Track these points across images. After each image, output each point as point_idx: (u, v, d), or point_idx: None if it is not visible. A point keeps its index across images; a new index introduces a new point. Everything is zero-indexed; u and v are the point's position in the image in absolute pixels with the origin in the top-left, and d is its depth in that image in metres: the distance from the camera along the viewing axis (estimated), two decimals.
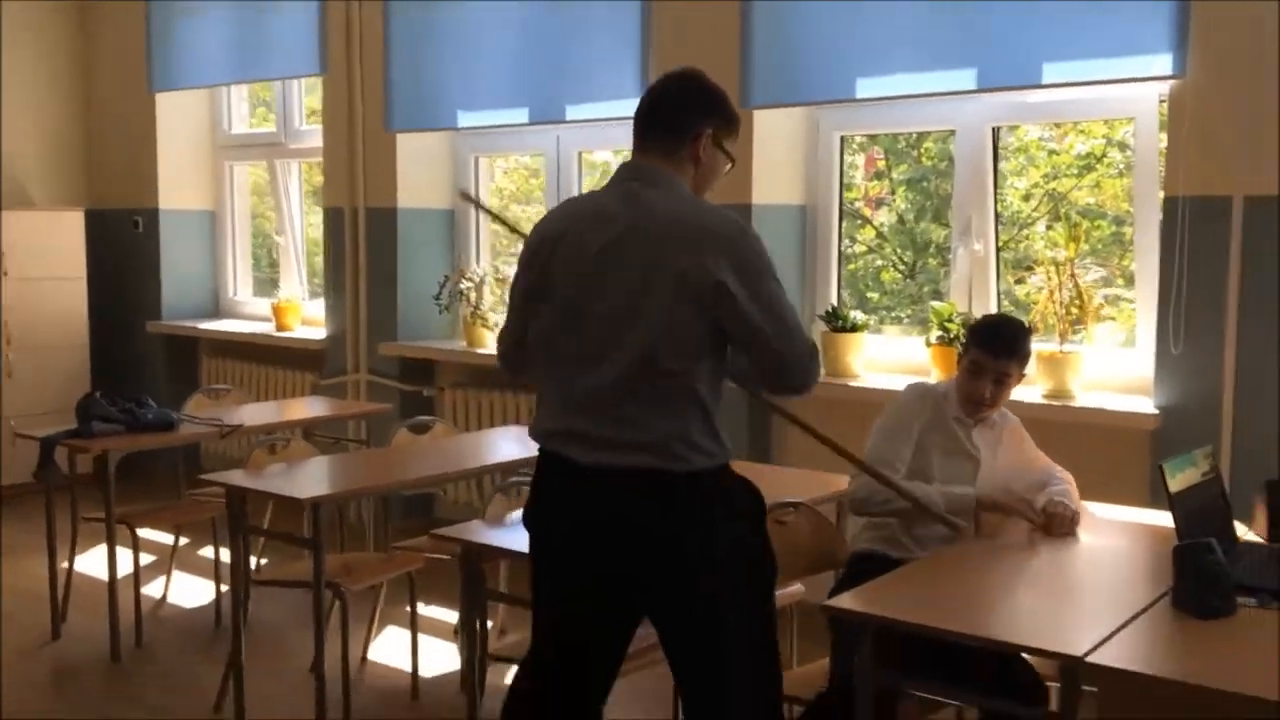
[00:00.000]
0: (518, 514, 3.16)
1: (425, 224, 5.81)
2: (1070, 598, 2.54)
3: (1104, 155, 6.31)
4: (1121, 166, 6.31)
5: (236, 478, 3.56)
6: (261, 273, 7.14)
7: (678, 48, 4.65)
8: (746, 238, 2.31)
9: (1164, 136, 3.76)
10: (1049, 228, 5.12)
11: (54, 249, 6.52)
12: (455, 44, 5.38)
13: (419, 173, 5.76)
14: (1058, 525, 2.83)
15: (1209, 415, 3.55)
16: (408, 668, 3.92)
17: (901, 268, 5.89)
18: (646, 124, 2.39)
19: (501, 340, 2.57)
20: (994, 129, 4.29)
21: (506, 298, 5.44)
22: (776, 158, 4.58)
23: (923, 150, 6.35)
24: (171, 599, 4.78)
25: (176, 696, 3.86)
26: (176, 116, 6.81)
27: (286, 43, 6.00)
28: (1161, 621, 2.26)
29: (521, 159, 6.12)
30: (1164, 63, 3.60)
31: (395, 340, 5.74)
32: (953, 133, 4.44)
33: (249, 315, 6.85)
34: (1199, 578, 2.29)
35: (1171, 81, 3.63)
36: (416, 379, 5.78)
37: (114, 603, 4.12)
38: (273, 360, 6.35)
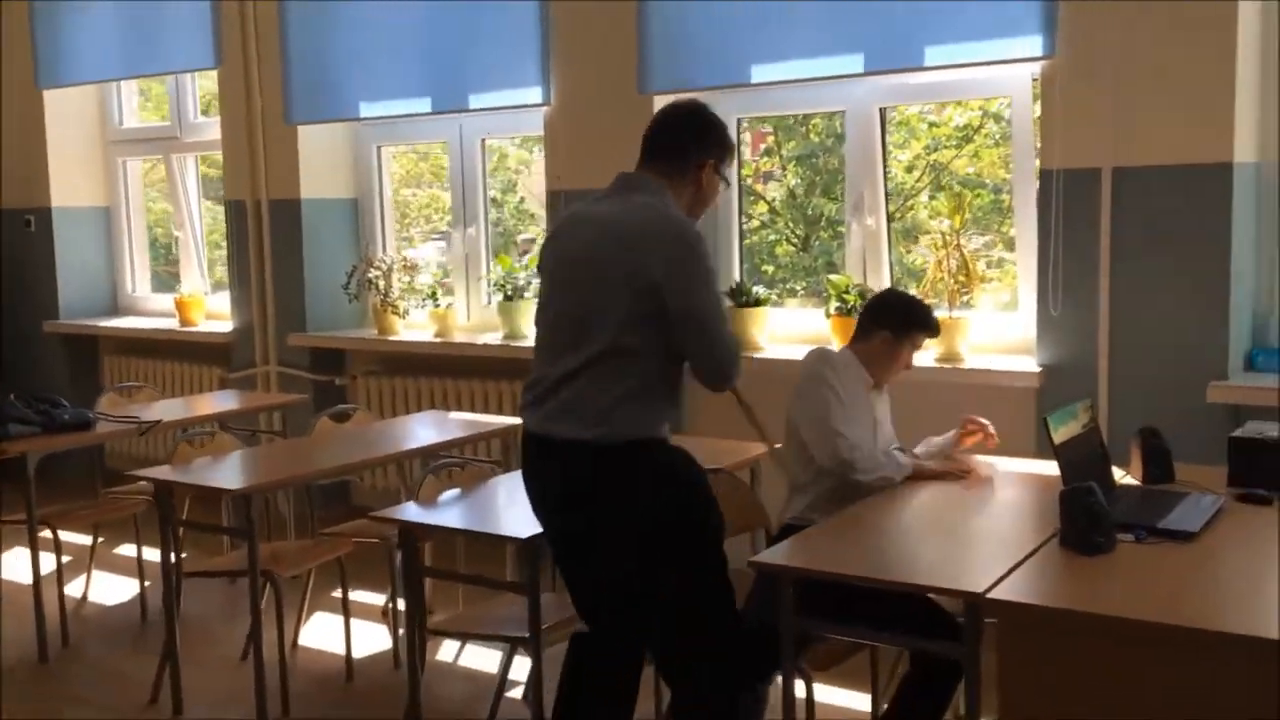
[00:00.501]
0: (450, 494, 3.30)
1: (329, 214, 5.85)
2: (970, 543, 2.77)
3: (981, 126, 6.63)
4: (998, 136, 6.66)
5: (165, 472, 3.62)
6: (159, 268, 7.08)
7: (578, 36, 4.79)
8: (687, 246, 2.54)
9: (1038, 109, 4.03)
10: (932, 198, 5.41)
11: None
12: (354, 35, 5.43)
13: (321, 163, 5.80)
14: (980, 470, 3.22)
15: (1086, 371, 3.83)
16: (339, 650, 4.02)
17: (795, 241, 6.12)
18: (654, 146, 2.67)
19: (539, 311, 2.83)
20: (881, 109, 4.51)
21: (415, 285, 5.58)
22: None
23: (810, 127, 6.59)
24: (93, 597, 4.79)
25: (110, 692, 3.90)
26: (65, 112, 6.71)
27: (179, 36, 5.96)
28: (1051, 559, 2.49)
29: (421, 147, 6.19)
30: (1035, 44, 3.86)
31: (304, 331, 5.78)
32: (842, 112, 4.65)
33: (149, 311, 6.80)
34: (1082, 519, 2.53)
35: (1043, 61, 3.89)
36: (327, 369, 5.83)
37: (39, 604, 4.13)
38: (177, 355, 6.33)
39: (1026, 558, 2.48)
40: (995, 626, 2.29)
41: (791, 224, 6.11)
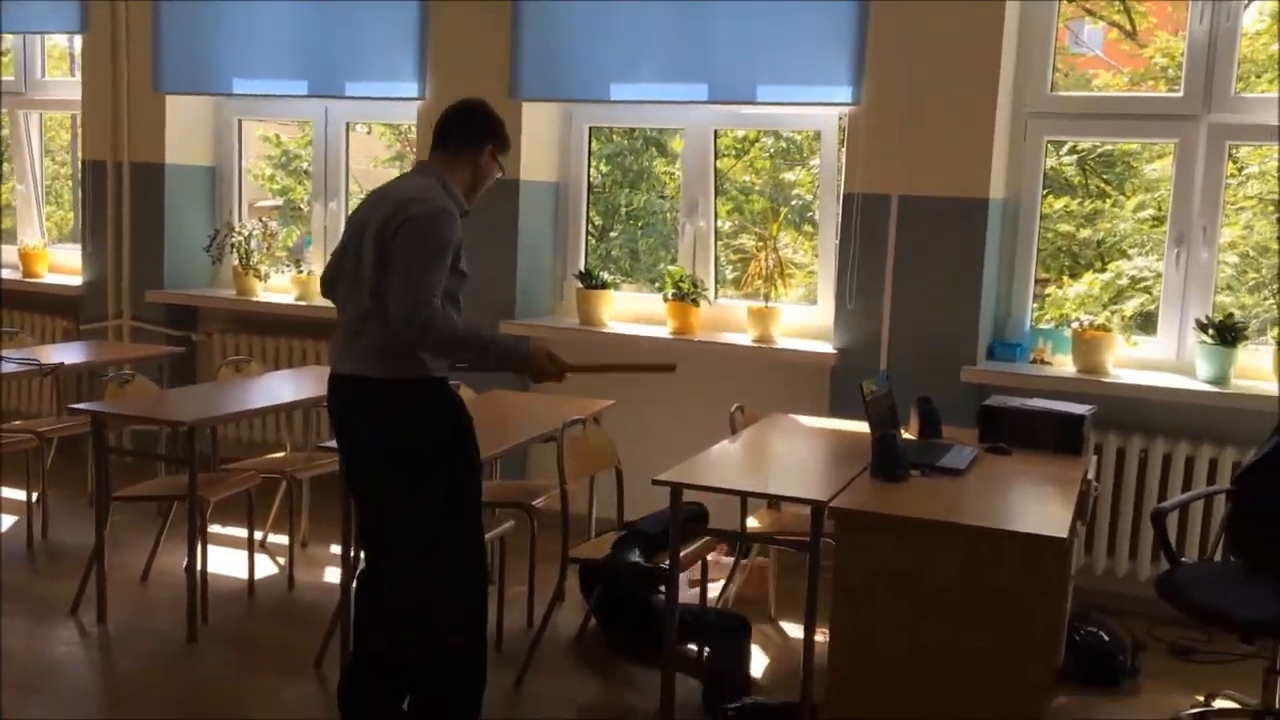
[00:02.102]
0: None
1: (189, 180, 6.22)
2: (806, 471, 3.69)
3: (756, 140, 7.67)
4: (771, 151, 7.74)
5: (110, 405, 4.07)
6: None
7: (457, 39, 5.42)
8: (421, 214, 2.95)
9: (841, 144, 5.03)
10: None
11: None
12: (229, 13, 5.83)
13: (183, 131, 6.16)
14: None
15: (872, 352, 4.85)
16: (231, 574, 4.54)
17: (593, 231, 6.93)
18: (440, 134, 3.19)
19: (325, 269, 3.28)
20: (714, 131, 5.41)
21: (275, 252, 6.05)
22: (537, 143, 5.47)
23: (612, 130, 7.46)
24: None
25: (26, 606, 4.27)
26: None
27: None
28: (865, 485, 3.42)
29: (284, 126, 6.63)
30: (845, 93, 4.84)
31: (161, 288, 6.13)
32: (680, 130, 5.52)
33: None
34: (888, 456, 3.48)
35: (850, 107, 4.88)
36: (181, 326, 6.20)
37: None
38: (20, 306, 6.49)
39: (849, 483, 3.41)
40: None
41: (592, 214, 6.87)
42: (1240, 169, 6.70)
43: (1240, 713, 3.60)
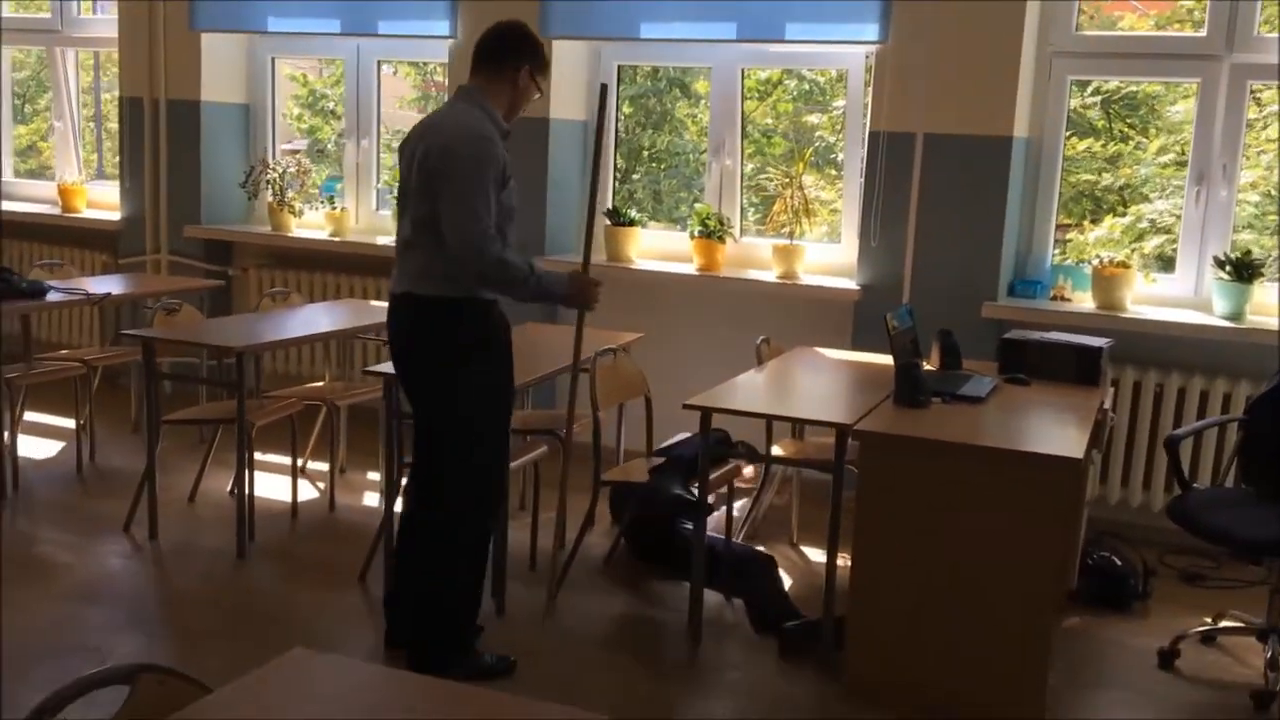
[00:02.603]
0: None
1: (224, 117, 6.34)
2: (831, 399, 3.82)
3: (780, 81, 7.73)
4: (795, 93, 7.80)
5: (160, 332, 4.24)
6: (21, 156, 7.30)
7: None
8: (461, 143, 3.07)
9: (869, 83, 5.11)
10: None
11: None
12: None
13: (219, 69, 6.27)
14: None
15: (895, 289, 4.97)
16: (274, 497, 4.72)
17: (618, 171, 7.01)
18: (480, 55, 3.30)
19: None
20: (742, 70, 5.49)
21: (308, 190, 6.17)
22: (567, 81, 5.56)
23: (638, 70, 7.51)
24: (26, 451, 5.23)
25: (80, 524, 4.47)
26: None
27: None
28: (889, 410, 3.56)
29: (327, 66, 6.73)
30: (872, 30, 4.91)
31: (199, 224, 6.28)
32: (708, 69, 5.60)
33: (19, 197, 7.04)
34: (911, 383, 3.61)
35: (876, 46, 4.95)
36: (218, 260, 6.35)
37: (2, 449, 4.63)
38: (60, 240, 6.65)
39: (873, 408, 3.54)
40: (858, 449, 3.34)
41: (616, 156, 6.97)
42: (1263, 110, 6.75)
43: (1245, 630, 3.74)
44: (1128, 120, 8.01)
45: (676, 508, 4.02)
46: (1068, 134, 5.06)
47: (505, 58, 3.27)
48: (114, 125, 6.55)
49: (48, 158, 7.89)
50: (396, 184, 3.36)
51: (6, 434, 4.74)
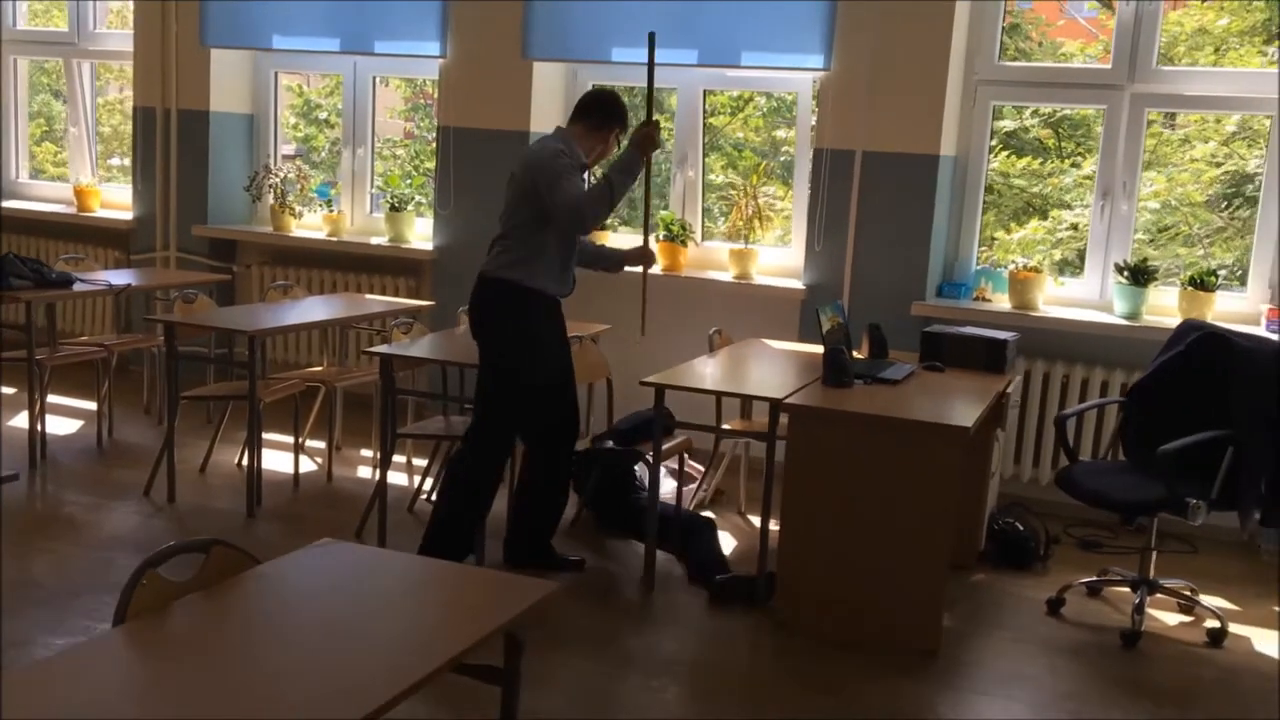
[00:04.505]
0: (424, 339, 4.68)
1: (230, 126, 6.90)
2: (769, 380, 4.41)
3: (751, 99, 8.33)
4: (765, 110, 8.40)
5: (180, 317, 4.79)
6: (49, 162, 7.83)
7: (474, 8, 6.07)
8: (545, 157, 3.95)
9: (815, 106, 5.71)
10: (706, 155, 7.06)
11: None
12: None
13: (226, 81, 6.82)
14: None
15: (835, 289, 5.56)
16: (277, 469, 5.27)
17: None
18: (584, 110, 4.12)
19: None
20: (703, 91, 6.08)
21: (308, 195, 6.72)
22: (547, 98, 6.14)
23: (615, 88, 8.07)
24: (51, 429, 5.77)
25: (104, 489, 5.01)
26: None
27: None
28: (817, 390, 4.15)
29: (321, 79, 7.29)
30: (818, 59, 5.51)
31: (205, 224, 6.82)
32: (674, 90, 6.19)
33: (35, 197, 7.57)
34: (837, 366, 4.20)
35: (822, 72, 5.55)
36: (224, 258, 6.90)
37: (34, 423, 5.18)
38: (71, 236, 7.17)
39: (803, 387, 4.13)
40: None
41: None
42: (1181, 133, 7.40)
43: (1121, 582, 4.34)
44: (1075, 138, 8.65)
45: (613, 460, 4.61)
46: (1008, 151, 5.66)
47: (604, 120, 4.11)
48: (103, 130, 7.09)
49: (40, 161, 8.42)
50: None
51: (35, 408, 5.28)
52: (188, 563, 2.11)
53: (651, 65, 4.23)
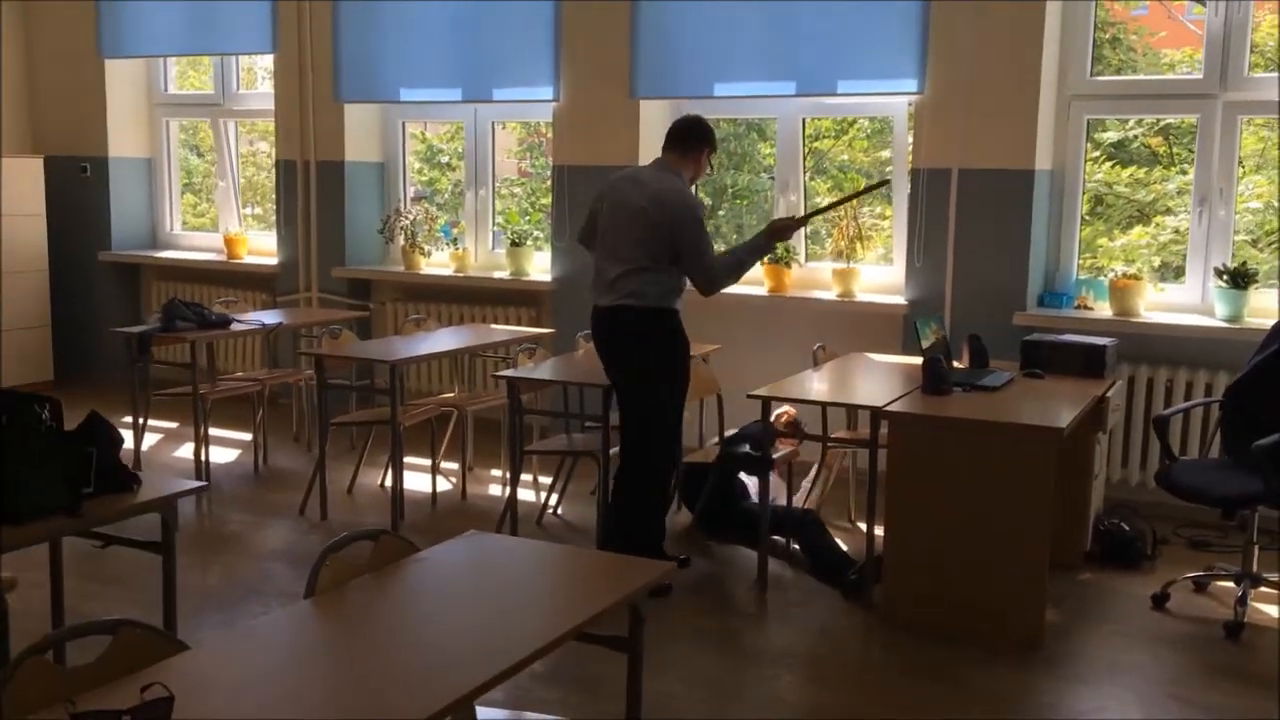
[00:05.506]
0: (546, 362, 5.06)
1: (364, 174, 7.43)
2: (870, 390, 4.66)
3: (854, 122, 8.55)
4: (869, 131, 8.63)
5: (329, 350, 5.27)
6: (195, 210, 8.50)
7: (584, 51, 6.48)
8: (686, 208, 4.31)
9: (911, 127, 5.95)
10: (812, 179, 7.33)
11: (15, 191, 7.66)
12: (395, 35, 7.00)
13: (358, 133, 7.36)
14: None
15: (937, 303, 5.77)
16: (414, 489, 5.69)
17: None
18: (676, 137, 4.43)
19: (581, 230, 4.65)
20: (803, 119, 6.37)
21: (437, 234, 7.19)
22: (656, 133, 6.48)
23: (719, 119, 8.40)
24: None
25: (262, 509, 5.50)
26: (119, 78, 8.06)
27: (239, 24, 7.41)
28: (917, 397, 4.38)
29: (442, 125, 7.81)
30: (911, 83, 5.76)
31: (344, 265, 7.36)
32: (775, 119, 6.50)
33: (186, 246, 8.23)
34: (935, 374, 4.43)
35: (916, 96, 5.79)
36: (359, 296, 7.42)
37: (199, 451, 5.71)
38: (222, 282, 7.78)
39: (904, 395, 4.37)
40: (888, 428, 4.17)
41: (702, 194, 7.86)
42: None
43: (1225, 576, 4.45)
44: (1185, 144, 8.67)
45: (745, 462, 4.88)
46: (1112, 163, 5.81)
47: (696, 143, 4.46)
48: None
49: (183, 212, 9.09)
50: (615, 213, 4.39)
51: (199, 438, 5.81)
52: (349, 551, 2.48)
53: (841, 202, 5.19)
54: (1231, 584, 4.41)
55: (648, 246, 4.30)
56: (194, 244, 8.26)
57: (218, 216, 8.19)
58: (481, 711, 2.41)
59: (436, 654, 2.07)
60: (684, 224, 4.28)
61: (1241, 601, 4.20)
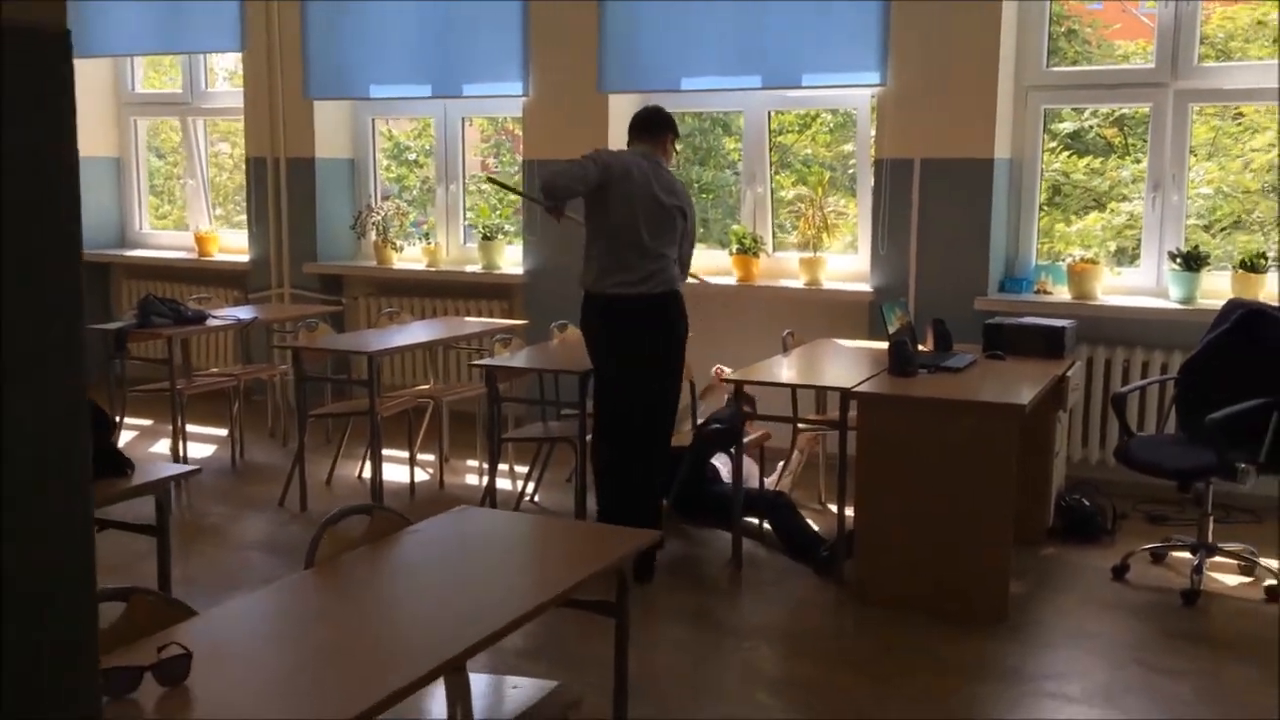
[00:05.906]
0: (522, 352, 5.15)
1: (334, 170, 7.49)
2: (839, 373, 4.79)
3: (816, 117, 8.71)
4: (831, 125, 8.79)
5: (307, 342, 5.33)
6: (157, 211, 8.52)
7: (552, 45, 6.57)
8: (690, 202, 4.50)
9: (874, 119, 6.09)
10: (776, 172, 7.46)
11: None
12: (365, 31, 7.06)
13: (328, 130, 7.42)
14: None
15: (901, 289, 5.92)
16: (392, 479, 5.77)
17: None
18: (644, 127, 4.51)
19: (563, 178, 4.35)
20: (769, 113, 6.50)
21: (406, 228, 7.25)
22: (620, 126, 6.59)
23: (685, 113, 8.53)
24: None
25: (241, 501, 5.56)
26: (85, 77, 8.06)
27: (207, 23, 7.44)
28: (884, 379, 4.51)
29: (409, 123, 7.87)
30: (874, 76, 5.90)
31: (315, 261, 7.41)
32: (741, 112, 6.62)
33: (155, 245, 8.25)
34: (901, 356, 4.57)
35: (878, 88, 5.93)
36: (332, 291, 7.48)
37: (176, 446, 5.76)
38: (193, 280, 7.81)
39: (870, 378, 4.50)
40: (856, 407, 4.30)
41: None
42: (1238, 123, 7.61)
43: (1181, 546, 4.63)
44: (1139, 134, 8.89)
45: (721, 435, 5.00)
46: (1069, 153, 5.98)
47: (661, 130, 4.58)
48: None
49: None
50: (639, 203, 4.37)
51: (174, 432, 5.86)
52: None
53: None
54: (1188, 554, 4.57)
55: (675, 239, 4.49)
56: (163, 243, 8.28)
57: (185, 215, 8.21)
58: (474, 677, 2.51)
59: (429, 619, 2.17)
60: (692, 213, 4.58)
61: (1198, 570, 4.37)
